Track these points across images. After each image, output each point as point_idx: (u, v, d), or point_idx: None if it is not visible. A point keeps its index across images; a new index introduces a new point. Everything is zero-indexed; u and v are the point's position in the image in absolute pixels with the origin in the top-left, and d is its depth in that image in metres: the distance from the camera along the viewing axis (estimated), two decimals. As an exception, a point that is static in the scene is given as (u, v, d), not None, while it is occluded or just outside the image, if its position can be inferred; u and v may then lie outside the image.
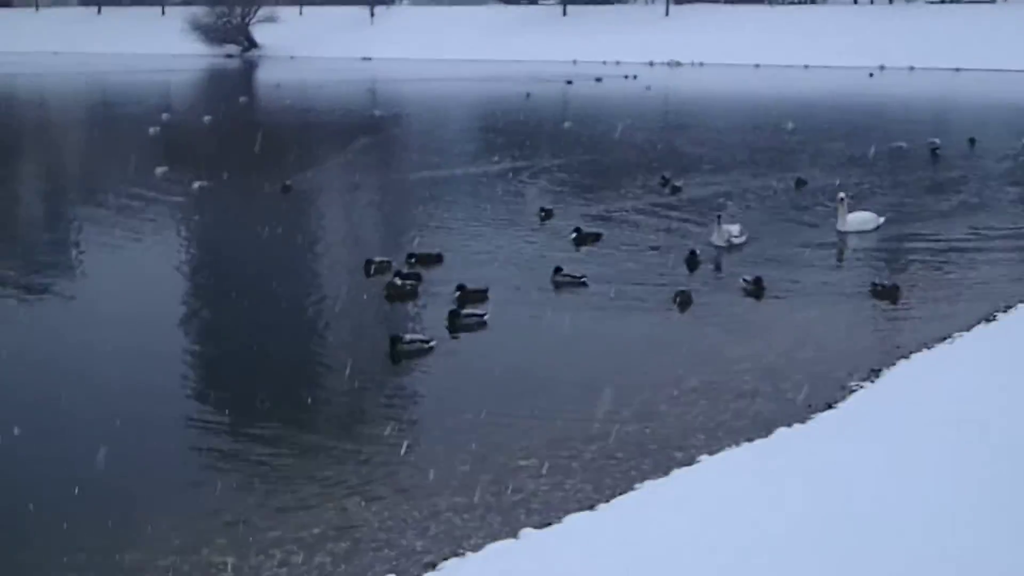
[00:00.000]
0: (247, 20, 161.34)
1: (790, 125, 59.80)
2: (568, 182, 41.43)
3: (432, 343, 19.78)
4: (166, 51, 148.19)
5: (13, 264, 26.98)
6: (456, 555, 12.03)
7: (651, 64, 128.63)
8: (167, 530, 12.81)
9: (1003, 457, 13.48)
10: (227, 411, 16.96)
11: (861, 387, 17.38)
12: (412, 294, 23.45)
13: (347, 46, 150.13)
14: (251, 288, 24.57)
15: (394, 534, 12.75)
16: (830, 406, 16.49)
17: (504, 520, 12.99)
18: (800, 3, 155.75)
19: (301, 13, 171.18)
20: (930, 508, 11.93)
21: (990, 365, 18.28)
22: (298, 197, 36.67)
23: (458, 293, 22.96)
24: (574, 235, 29.15)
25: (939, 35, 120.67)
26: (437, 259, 26.60)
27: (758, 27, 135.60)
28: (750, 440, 15.09)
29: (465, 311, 21.60)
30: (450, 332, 20.96)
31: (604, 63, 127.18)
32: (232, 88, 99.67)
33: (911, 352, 19.34)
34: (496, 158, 47.99)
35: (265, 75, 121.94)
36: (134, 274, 26.54)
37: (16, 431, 15.73)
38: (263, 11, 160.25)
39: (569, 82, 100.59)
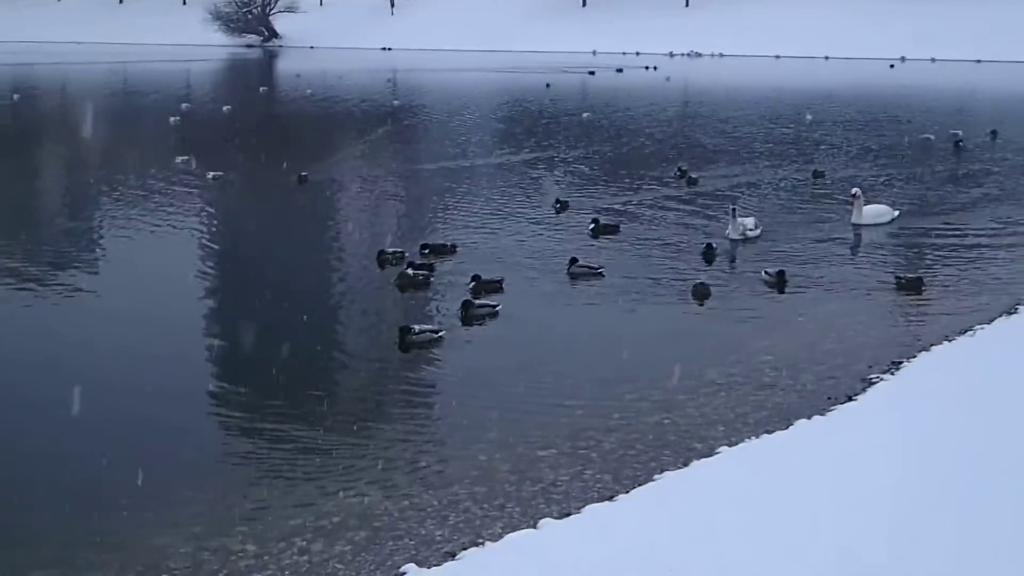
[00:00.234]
0: (268, 10, 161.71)
1: (808, 117, 59.61)
2: (585, 173, 41.43)
3: (442, 333, 19.78)
4: (187, 41, 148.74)
5: (35, 253, 27.13)
6: (476, 545, 12.05)
7: (671, 55, 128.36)
8: (188, 518, 12.87)
9: (1024, 450, 13.43)
10: (244, 401, 17.04)
11: (881, 379, 17.32)
12: (424, 284, 23.51)
13: (367, 36, 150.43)
14: (264, 279, 24.62)
15: (413, 523, 12.77)
16: (850, 398, 16.45)
17: (524, 510, 13.00)
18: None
19: (321, 3, 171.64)
20: (950, 501, 11.89)
21: (1011, 358, 18.18)
22: (314, 188, 36.74)
23: (473, 283, 22.98)
24: (592, 226, 29.14)
25: (961, 27, 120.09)
26: (450, 250, 26.63)
27: (779, 18, 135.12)
28: (769, 432, 15.06)
29: (478, 302, 21.61)
30: (463, 323, 20.99)
31: (623, 54, 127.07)
32: (252, 78, 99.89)
33: (931, 345, 19.28)
34: (513, 149, 48.01)
35: (285, 65, 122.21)
36: (151, 264, 26.61)
37: (38, 422, 15.85)
38: (284, 1, 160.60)
39: (592, 72, 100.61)
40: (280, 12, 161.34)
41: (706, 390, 17.17)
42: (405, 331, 19.54)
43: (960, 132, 48.88)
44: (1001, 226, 30.29)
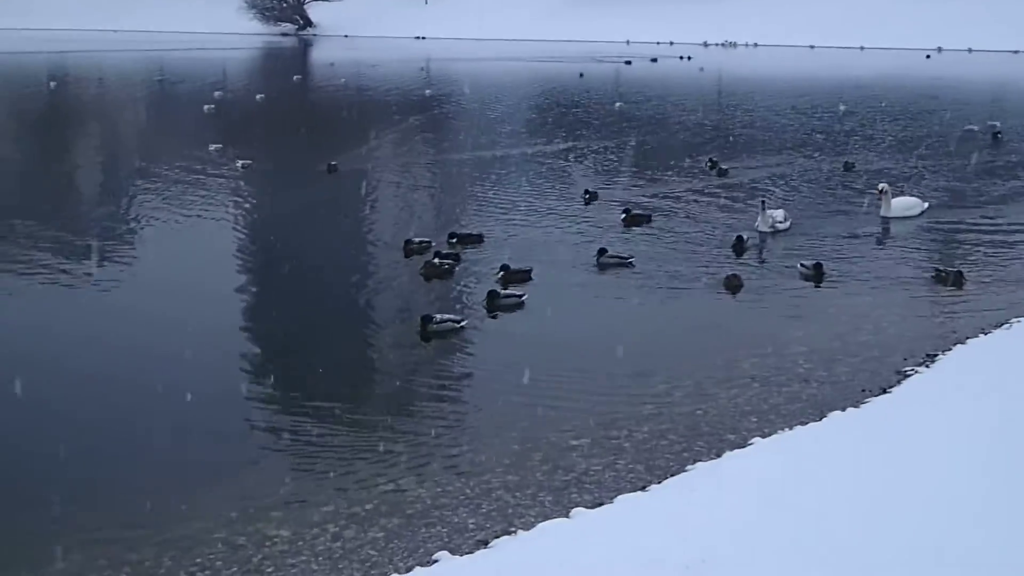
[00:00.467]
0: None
1: (842, 107, 59.24)
2: (615, 164, 41.38)
3: (463, 323, 19.80)
4: (222, 29, 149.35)
5: (69, 239, 27.34)
6: (508, 533, 12.09)
7: (705, 45, 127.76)
8: (222, 503, 12.98)
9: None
10: (274, 390, 17.15)
11: (916, 372, 17.23)
12: (449, 274, 23.53)
13: (401, 25, 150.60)
14: (289, 269, 24.69)
15: (446, 511, 12.83)
16: (885, 391, 16.37)
17: (556, 499, 13.03)
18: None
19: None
20: (983, 494, 11.81)
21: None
22: (343, 177, 36.84)
23: (501, 273, 23.00)
24: (623, 216, 29.12)
25: (998, 17, 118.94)
26: (478, 239, 26.66)
27: (814, 7, 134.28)
28: (803, 423, 15.02)
29: (504, 292, 21.63)
30: (489, 313, 21.01)
31: (657, 43, 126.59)
32: (286, 66, 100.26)
33: (967, 338, 19.15)
34: (544, 139, 47.98)
35: (319, 54, 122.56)
36: (183, 252, 26.78)
37: (73, 409, 15.99)
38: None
39: (628, 62, 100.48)
40: (315, 1, 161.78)
41: (739, 381, 17.14)
42: (426, 320, 19.58)
43: (998, 123, 48.46)
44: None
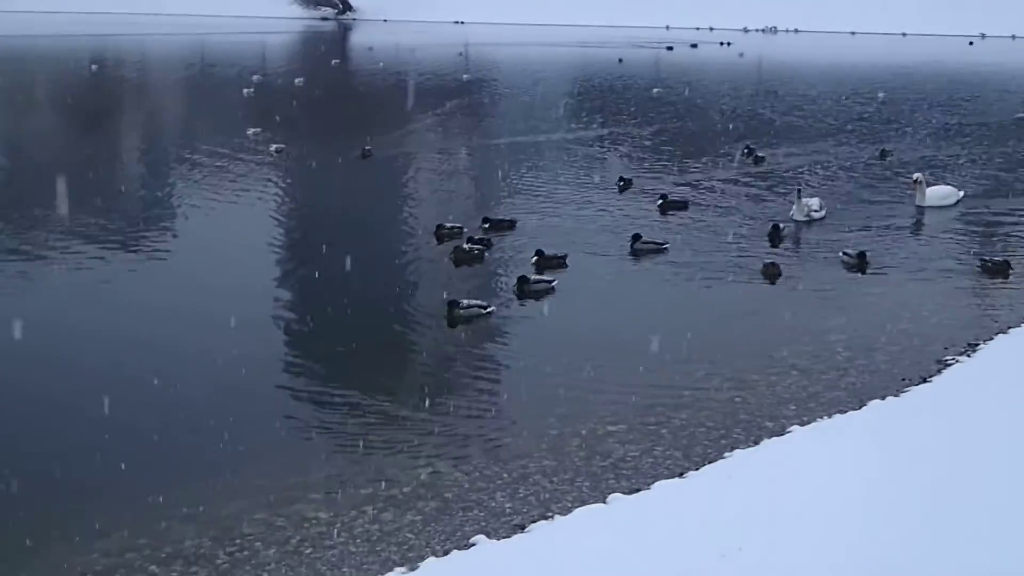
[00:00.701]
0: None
1: (881, 95, 58.78)
2: (651, 150, 41.26)
3: (490, 309, 19.78)
4: (263, 14, 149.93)
5: (108, 220, 27.56)
6: (545, 518, 12.09)
7: (745, 31, 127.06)
8: (263, 485, 13.06)
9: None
10: (309, 372, 17.26)
11: (957, 361, 17.08)
12: (479, 259, 23.53)
13: (441, 10, 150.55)
14: (321, 254, 24.75)
15: (483, 495, 12.86)
16: (925, 380, 16.25)
17: (593, 485, 13.03)
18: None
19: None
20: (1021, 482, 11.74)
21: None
22: (377, 162, 36.92)
23: (536, 258, 22.96)
24: (659, 202, 29.07)
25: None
26: (510, 225, 26.65)
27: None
28: (842, 412, 14.94)
29: (534, 277, 21.59)
30: (519, 298, 20.99)
31: (697, 29, 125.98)
32: (325, 51, 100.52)
33: (1009, 327, 18.98)
34: (581, 125, 47.89)
35: (358, 38, 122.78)
36: (216, 237, 26.88)
37: (114, 389, 16.09)
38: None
39: (670, 48, 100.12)
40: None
41: (777, 369, 17.05)
42: (453, 305, 19.60)
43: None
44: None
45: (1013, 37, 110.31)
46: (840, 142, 42.46)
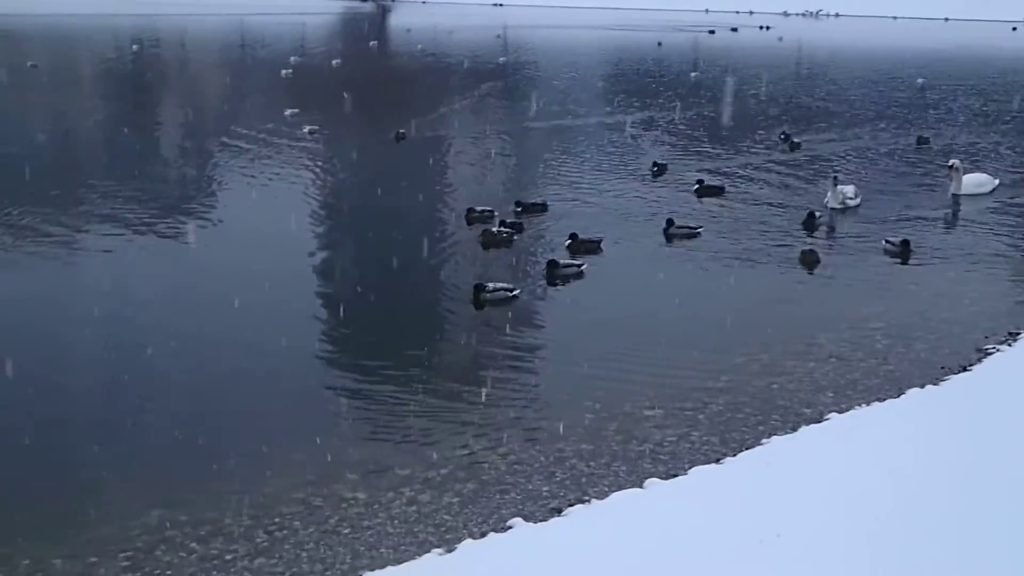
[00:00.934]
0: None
1: (920, 80, 58.25)
2: (687, 135, 41.09)
3: (516, 292, 19.76)
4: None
5: (145, 199, 27.81)
6: (582, 502, 12.12)
7: (785, 14, 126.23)
8: (301, 465, 13.15)
9: None
10: (343, 353, 17.38)
11: (998, 351, 16.95)
12: (507, 242, 23.52)
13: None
14: (353, 237, 24.86)
15: (520, 478, 12.89)
16: (964, 368, 16.14)
17: (630, 469, 13.03)
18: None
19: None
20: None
21: None
22: (411, 145, 36.97)
23: (569, 241, 22.93)
24: (696, 187, 28.99)
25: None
26: (542, 208, 26.62)
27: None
28: (881, 400, 14.86)
29: (563, 262, 21.56)
30: (549, 282, 20.97)
31: (736, 12, 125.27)
32: (364, 32, 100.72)
33: (1051, 316, 18.83)
34: (617, 109, 47.75)
35: (397, 19, 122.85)
36: (250, 216, 26.91)
37: (151, 371, 16.25)
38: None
39: (711, 31, 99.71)
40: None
41: (815, 355, 16.98)
42: (479, 288, 19.62)
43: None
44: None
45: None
46: (877, 128, 42.16)
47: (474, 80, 58.71)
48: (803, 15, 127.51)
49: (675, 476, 12.57)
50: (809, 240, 24.15)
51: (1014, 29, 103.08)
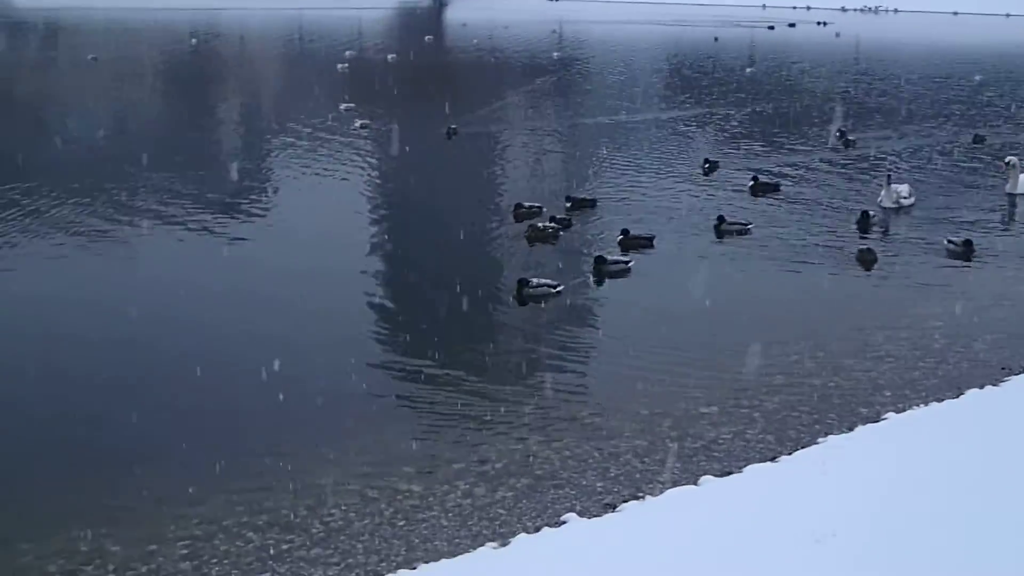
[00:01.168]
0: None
1: (978, 77, 57.55)
2: (740, 132, 40.87)
3: (560, 288, 19.68)
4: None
5: (200, 192, 28.17)
6: (636, 498, 12.09)
7: (843, 10, 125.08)
8: (355, 457, 13.26)
9: None
10: (394, 347, 17.54)
11: (1060, 351, 16.73)
12: (553, 238, 23.48)
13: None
14: (401, 233, 24.91)
15: (574, 473, 12.89)
16: (1025, 369, 15.95)
17: (685, 466, 13.00)
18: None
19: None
20: None
21: None
22: (462, 141, 37.04)
23: (621, 237, 22.87)
24: (751, 183, 28.83)
25: None
26: (591, 204, 26.59)
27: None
28: (939, 400, 14.71)
29: (611, 258, 21.48)
30: (595, 278, 20.89)
31: (794, 8, 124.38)
32: (419, 26, 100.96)
33: (1115, 317, 18.54)
34: (671, 105, 47.62)
35: (453, 14, 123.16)
36: (300, 211, 27.18)
37: (219, 361, 16.44)
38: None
39: (771, 27, 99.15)
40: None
41: (873, 355, 16.83)
42: (522, 284, 19.62)
43: None
44: None
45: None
46: (934, 126, 41.73)
47: (527, 75, 58.74)
48: (861, 10, 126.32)
49: (730, 474, 12.52)
50: (863, 239, 23.90)
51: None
